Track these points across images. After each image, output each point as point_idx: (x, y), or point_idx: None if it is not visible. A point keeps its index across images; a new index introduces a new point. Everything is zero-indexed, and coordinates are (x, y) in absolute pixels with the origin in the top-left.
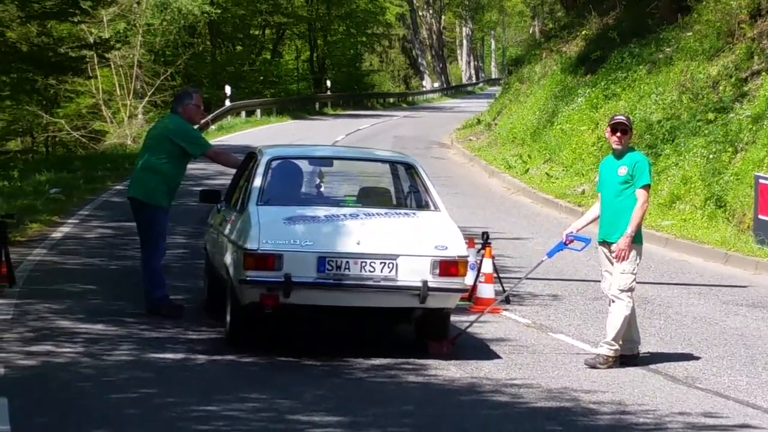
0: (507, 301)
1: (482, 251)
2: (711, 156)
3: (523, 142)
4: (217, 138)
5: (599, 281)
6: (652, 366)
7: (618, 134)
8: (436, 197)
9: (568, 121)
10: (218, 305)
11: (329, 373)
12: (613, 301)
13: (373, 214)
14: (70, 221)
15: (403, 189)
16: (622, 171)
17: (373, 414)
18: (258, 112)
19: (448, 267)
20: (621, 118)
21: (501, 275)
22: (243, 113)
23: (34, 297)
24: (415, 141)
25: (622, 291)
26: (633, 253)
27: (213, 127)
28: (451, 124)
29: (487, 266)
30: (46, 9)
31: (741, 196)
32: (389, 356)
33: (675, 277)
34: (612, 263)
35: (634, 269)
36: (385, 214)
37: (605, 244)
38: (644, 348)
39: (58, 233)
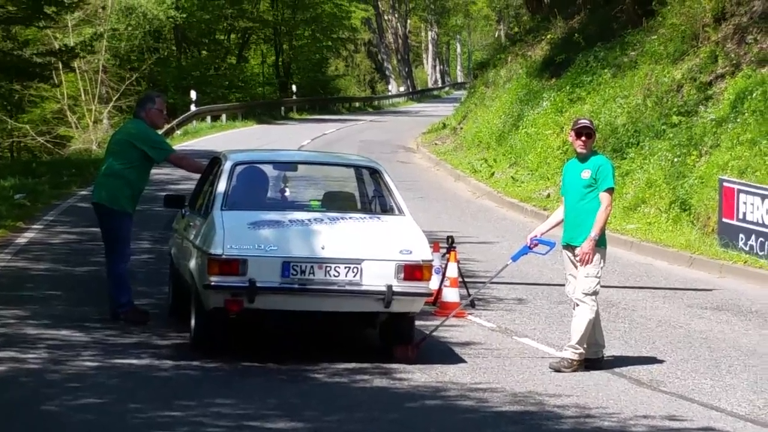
0: (472, 305)
1: (447, 255)
2: (675, 159)
3: (489, 146)
4: (182, 143)
5: (564, 285)
6: (617, 369)
7: (583, 138)
8: (400, 201)
9: (533, 125)
10: (183, 310)
11: (294, 378)
12: (578, 305)
13: (338, 219)
14: (35, 227)
15: (368, 193)
16: (586, 174)
17: (338, 419)
18: (223, 116)
19: (413, 271)
20: (585, 122)
21: (466, 279)
22: (208, 118)
23: None
24: (380, 145)
25: (587, 294)
26: (597, 256)
27: (178, 132)
28: (417, 129)
29: (452, 270)
30: (11, 14)
31: (705, 199)
32: (354, 361)
33: (640, 280)
34: (576, 267)
35: (598, 273)
36: (350, 218)
37: (569, 247)
38: (609, 351)
39: (23, 239)
